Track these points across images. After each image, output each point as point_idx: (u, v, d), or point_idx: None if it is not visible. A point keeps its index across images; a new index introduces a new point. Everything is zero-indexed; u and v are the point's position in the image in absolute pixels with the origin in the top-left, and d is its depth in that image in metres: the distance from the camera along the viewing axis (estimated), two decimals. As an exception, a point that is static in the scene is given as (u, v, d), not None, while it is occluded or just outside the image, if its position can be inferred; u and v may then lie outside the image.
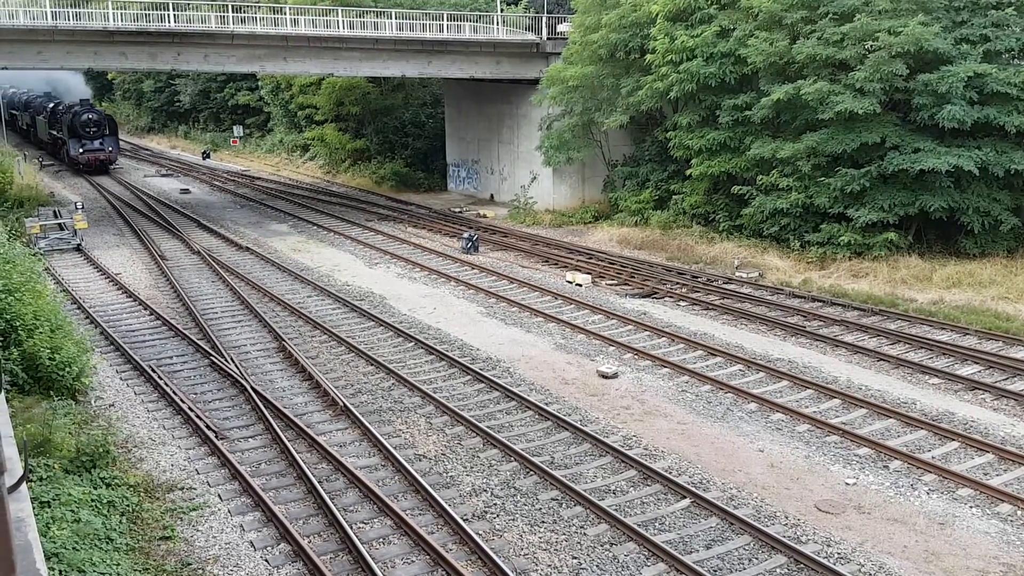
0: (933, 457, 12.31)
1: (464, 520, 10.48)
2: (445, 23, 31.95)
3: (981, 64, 21.12)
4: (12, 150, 44.81)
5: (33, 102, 59.02)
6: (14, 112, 66.50)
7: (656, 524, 10.64)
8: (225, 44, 29.16)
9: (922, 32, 21.06)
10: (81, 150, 44.90)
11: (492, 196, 37.02)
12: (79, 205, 28.78)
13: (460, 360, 16.43)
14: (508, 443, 12.67)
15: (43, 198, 34.16)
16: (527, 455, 12.28)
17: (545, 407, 14.12)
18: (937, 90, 21.18)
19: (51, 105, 51.62)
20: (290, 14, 30.41)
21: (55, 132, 49.75)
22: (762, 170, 24.47)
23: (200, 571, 9.61)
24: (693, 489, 11.32)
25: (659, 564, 9.72)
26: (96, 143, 45.30)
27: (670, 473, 11.90)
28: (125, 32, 27.54)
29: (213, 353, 16.72)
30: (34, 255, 19.06)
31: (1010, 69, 21.27)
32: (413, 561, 9.77)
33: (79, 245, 27.13)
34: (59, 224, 28.75)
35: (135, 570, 9.14)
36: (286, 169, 50.53)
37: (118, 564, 8.93)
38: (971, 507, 10.99)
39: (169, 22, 28.32)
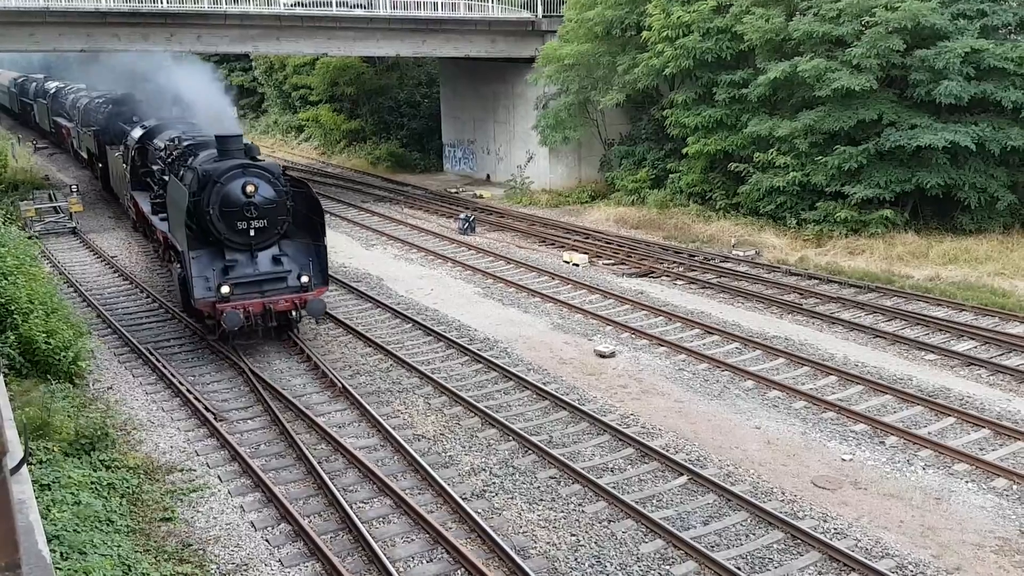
0: (929, 433, 12.38)
1: (463, 499, 10.54)
2: (440, 1, 31.72)
3: (978, 39, 21.02)
4: (5, 132, 44.43)
5: (110, 123, 28.05)
6: (60, 121, 40.63)
7: (654, 501, 10.71)
8: (218, 24, 28.91)
9: (919, 7, 20.95)
10: (226, 286, 15.15)
11: (488, 176, 36.90)
12: (74, 188, 28.67)
13: (458, 341, 16.46)
14: (506, 422, 12.72)
15: (38, 181, 34.00)
16: (525, 434, 12.33)
17: (543, 386, 14.16)
18: (934, 66, 21.10)
19: (160, 144, 20.43)
20: (283, -7, 30.18)
21: (160, 209, 18.94)
22: (759, 148, 24.40)
23: (201, 552, 9.67)
24: (690, 466, 11.38)
25: (657, 540, 9.79)
26: (264, 258, 15.87)
27: (667, 451, 11.96)
28: (118, 13, 27.27)
29: (211, 335, 16.70)
30: (29, 238, 19.04)
31: (1007, 44, 21.18)
32: (413, 539, 9.83)
33: (74, 228, 27.07)
34: (54, 207, 28.66)
35: (136, 551, 9.19)
36: (281, 150, 50.31)
37: (119, 546, 8.96)
38: (967, 482, 11.07)
39: (162, 3, 28.07)
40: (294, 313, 15.71)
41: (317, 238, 16.37)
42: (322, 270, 16.27)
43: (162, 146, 19.88)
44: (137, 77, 27.29)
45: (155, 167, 19.93)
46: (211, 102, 19.60)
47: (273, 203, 15.49)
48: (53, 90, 43.03)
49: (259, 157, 16.54)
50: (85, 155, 34.65)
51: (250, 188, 15.17)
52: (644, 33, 26.80)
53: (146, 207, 20.78)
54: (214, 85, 21.41)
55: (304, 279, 15.76)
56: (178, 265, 16.37)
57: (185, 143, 18.06)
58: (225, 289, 14.96)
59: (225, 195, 15.16)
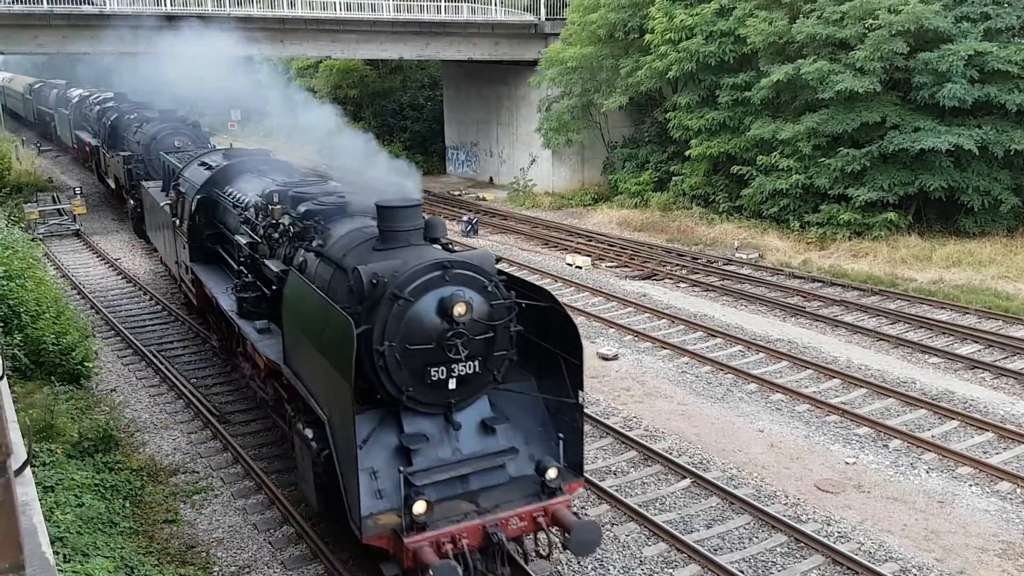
0: (933, 436, 12.36)
1: (466, 502, 10.50)
2: (443, 4, 31.75)
3: (981, 42, 21.02)
4: (10, 135, 44.46)
5: (144, 151, 22.65)
6: (84, 136, 33.60)
7: (657, 504, 10.70)
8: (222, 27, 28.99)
9: (922, 10, 20.95)
10: (420, 502, 7.52)
11: (491, 179, 36.92)
12: (77, 190, 28.72)
13: (461, 343, 16.41)
14: (509, 425, 12.69)
15: (41, 184, 34.08)
16: (528, 437, 12.30)
17: (546, 389, 14.11)
18: (937, 69, 21.09)
19: (243, 198, 12.93)
20: (287, -4, 30.21)
21: (257, 312, 11.04)
22: (762, 151, 24.40)
23: (204, 554, 9.67)
24: (693, 469, 11.37)
25: (660, 544, 9.77)
26: (468, 425, 8.41)
27: (671, 453, 11.95)
28: (122, 16, 27.35)
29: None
30: (33, 241, 19.08)
31: (1011, 47, 21.17)
32: (416, 542, 9.79)
33: (78, 231, 27.12)
34: (58, 210, 28.72)
35: (139, 553, 9.20)
36: (284, 153, 50.35)
37: (122, 548, 8.98)
38: (971, 485, 11.04)
39: (166, 5, 28.14)
40: (538, 539, 8.66)
41: (562, 389, 8.70)
42: (576, 448, 8.66)
43: (248, 201, 12.58)
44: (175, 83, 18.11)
45: (239, 237, 12.02)
46: (343, 134, 11.31)
47: (490, 330, 8.25)
48: (76, 99, 36.04)
49: (447, 242, 9.31)
50: (113, 184, 27.77)
51: (460, 308, 7.90)
52: (647, 36, 26.83)
53: (225, 301, 12.38)
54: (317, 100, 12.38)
55: (551, 473, 8.12)
56: (308, 431, 8.66)
57: (304, 207, 10.60)
58: (419, 507, 7.56)
59: (413, 321, 7.92)
